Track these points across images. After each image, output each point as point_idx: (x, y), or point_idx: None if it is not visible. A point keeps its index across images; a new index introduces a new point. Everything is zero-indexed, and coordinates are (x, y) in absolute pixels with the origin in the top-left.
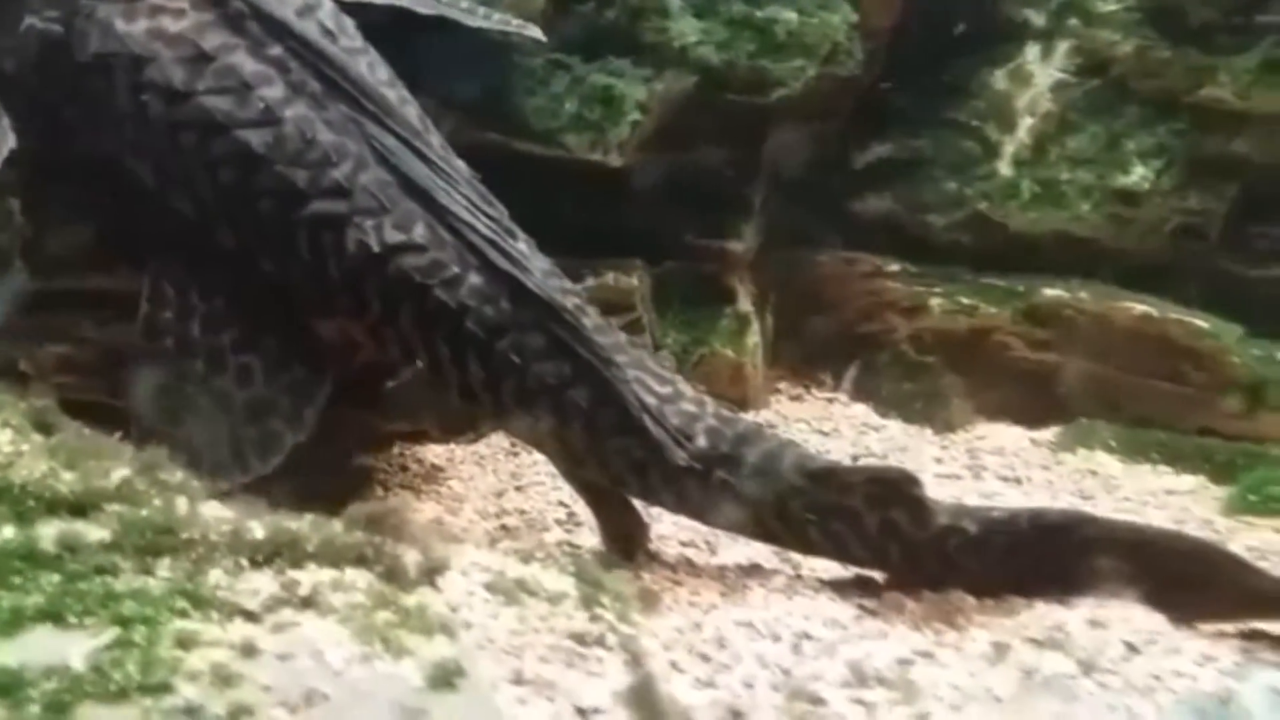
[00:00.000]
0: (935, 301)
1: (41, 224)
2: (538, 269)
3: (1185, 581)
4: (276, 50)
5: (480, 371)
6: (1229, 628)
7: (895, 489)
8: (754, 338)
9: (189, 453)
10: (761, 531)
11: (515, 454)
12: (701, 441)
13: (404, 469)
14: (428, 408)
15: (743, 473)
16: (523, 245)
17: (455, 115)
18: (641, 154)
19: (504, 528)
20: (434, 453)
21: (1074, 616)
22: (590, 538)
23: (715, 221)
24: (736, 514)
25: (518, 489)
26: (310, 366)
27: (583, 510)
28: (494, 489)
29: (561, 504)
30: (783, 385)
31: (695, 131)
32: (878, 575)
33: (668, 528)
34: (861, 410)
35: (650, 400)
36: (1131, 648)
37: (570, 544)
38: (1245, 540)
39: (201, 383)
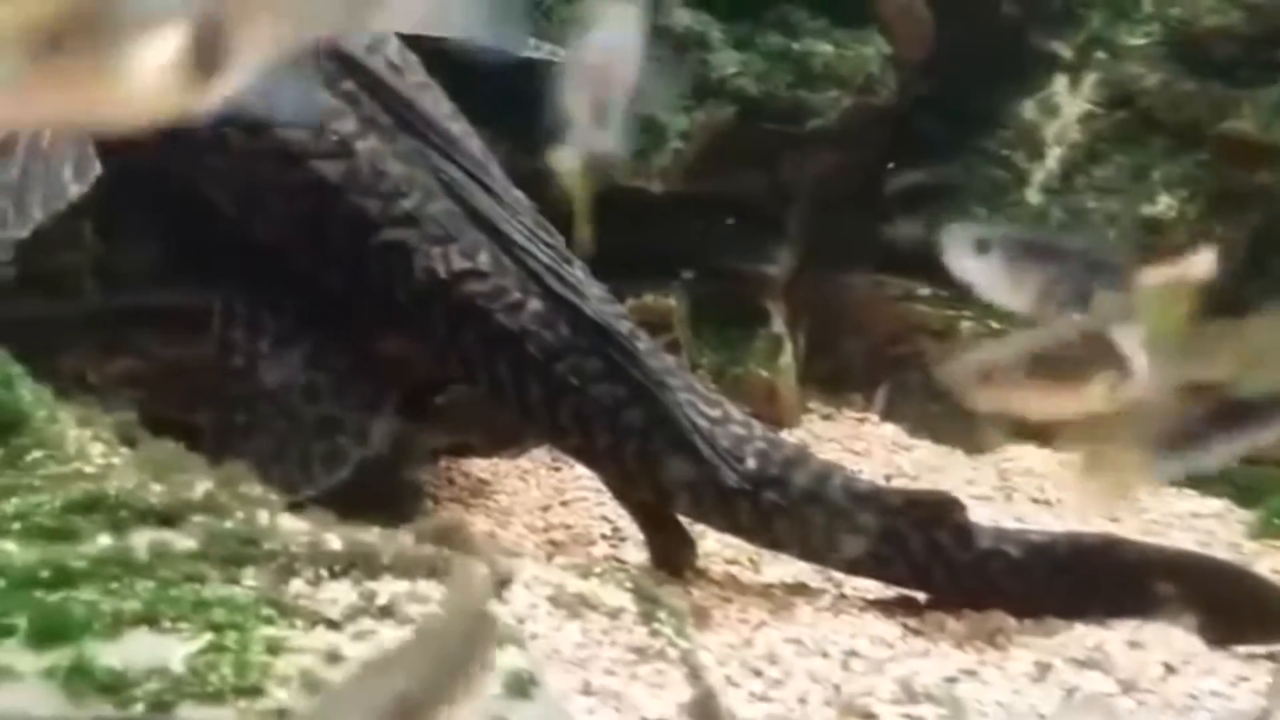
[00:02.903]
0: (965, 325)
1: (110, 244)
2: (593, 295)
3: (1217, 604)
4: (349, 85)
5: (539, 393)
6: (1261, 650)
7: (940, 512)
8: (787, 358)
9: (259, 466)
10: (808, 552)
11: (557, 468)
12: (751, 463)
13: (451, 482)
14: (474, 422)
15: (791, 494)
16: (579, 272)
17: (507, 144)
18: (682, 181)
19: (552, 542)
20: (479, 467)
21: (1113, 638)
22: (636, 553)
23: (751, 245)
24: (785, 535)
25: (563, 504)
26: (375, 384)
27: (627, 526)
28: (540, 503)
29: (605, 519)
30: (814, 405)
31: (733, 159)
32: (919, 595)
33: (713, 545)
34: (892, 430)
35: (701, 422)
36: (1169, 668)
37: (617, 559)
38: (1271, 563)
39: (271, 399)
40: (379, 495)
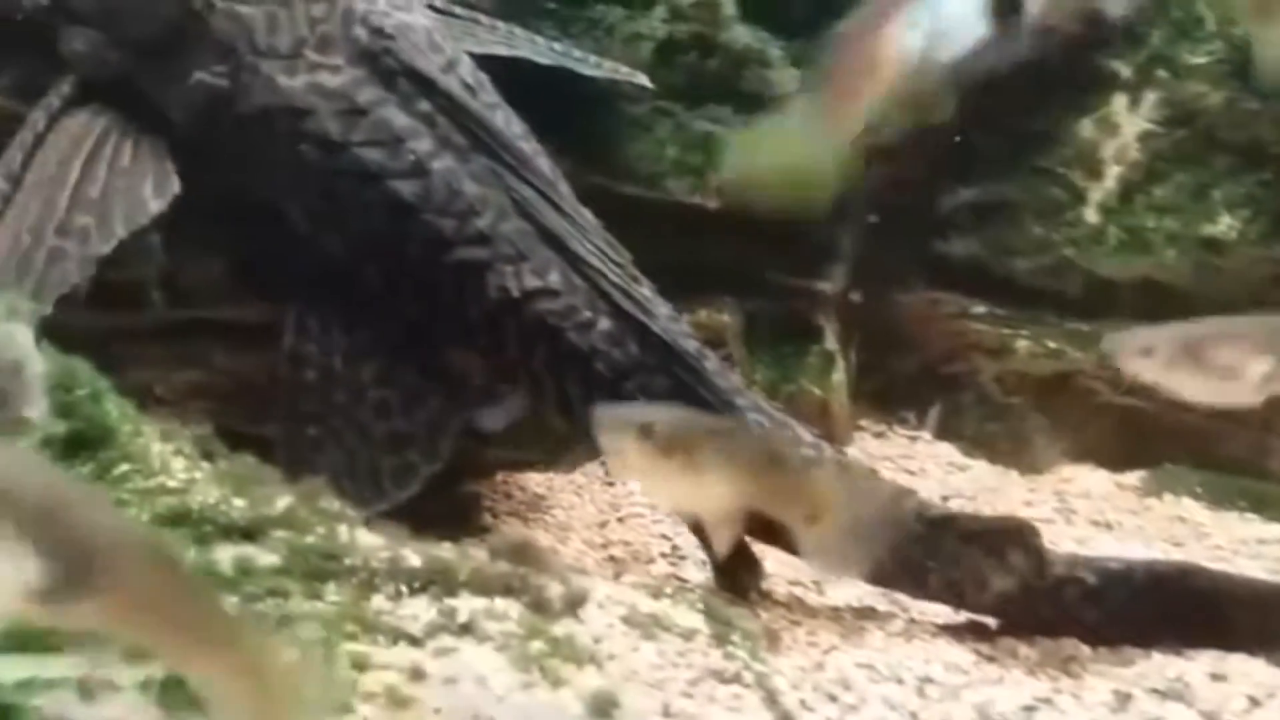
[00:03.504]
0: (1021, 344)
1: (179, 258)
2: (661, 314)
3: None
4: (424, 105)
5: None
6: None
7: (1015, 538)
8: (839, 375)
9: (330, 480)
10: (879, 575)
11: (611, 483)
12: None
13: (508, 496)
14: (529, 436)
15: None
16: (646, 291)
17: (569, 160)
18: (737, 196)
19: (612, 559)
20: (534, 481)
21: (1194, 668)
22: (695, 572)
23: (805, 261)
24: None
25: (619, 520)
26: (444, 400)
27: (684, 544)
28: (596, 519)
29: (664, 537)
30: (865, 423)
31: None
32: (990, 621)
33: (773, 565)
34: (946, 450)
35: None
36: (1254, 701)
37: (680, 578)
38: None
39: (342, 414)
40: (439, 508)
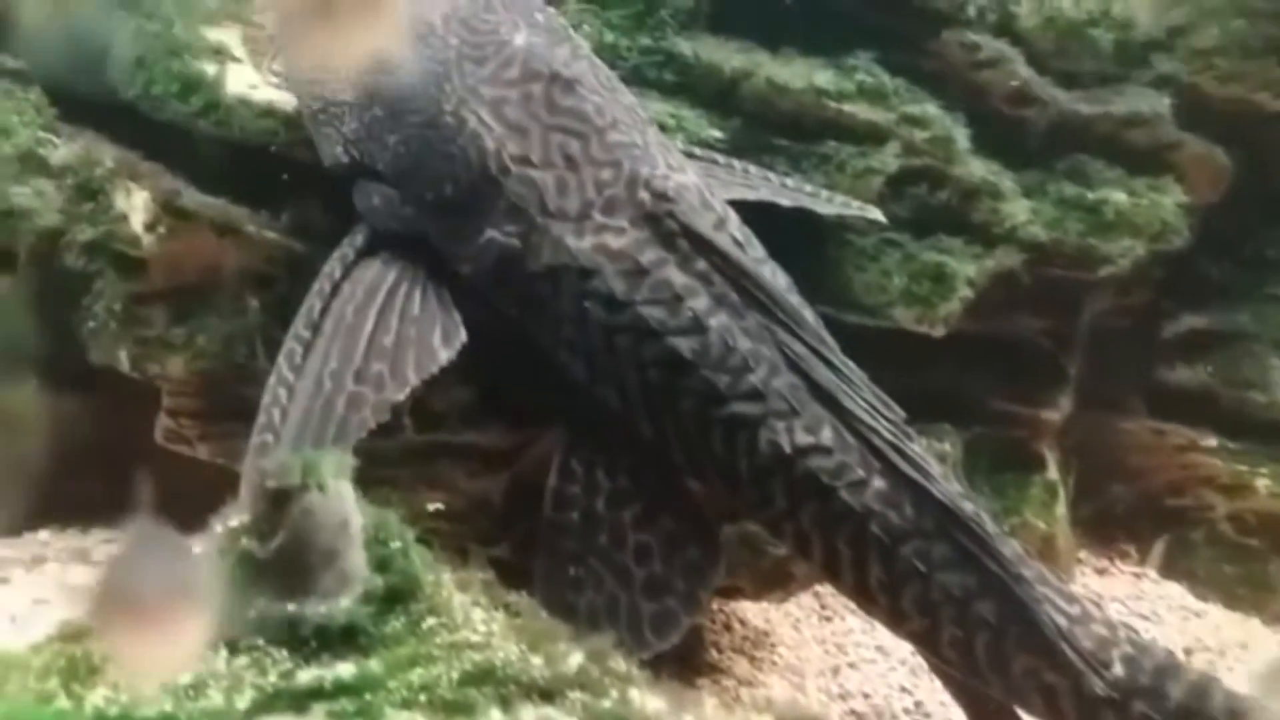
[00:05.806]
0: (1261, 482)
1: (430, 385)
2: (938, 473)
3: None
4: (701, 264)
5: (882, 576)
6: None
7: None
8: (1062, 508)
9: (590, 624)
10: None
11: (828, 618)
12: (1119, 670)
13: (728, 628)
14: (743, 566)
15: (1167, 708)
16: (919, 448)
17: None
18: (961, 323)
19: (853, 713)
20: (750, 611)
21: None
22: None
23: (1029, 388)
24: None
25: (850, 665)
26: (704, 549)
27: (926, 698)
28: (827, 664)
29: (904, 690)
30: (1083, 555)
31: (1014, 302)
32: None
33: None
34: (1176, 591)
35: (1060, 620)
36: None
37: None
38: None
39: (603, 556)
40: None
